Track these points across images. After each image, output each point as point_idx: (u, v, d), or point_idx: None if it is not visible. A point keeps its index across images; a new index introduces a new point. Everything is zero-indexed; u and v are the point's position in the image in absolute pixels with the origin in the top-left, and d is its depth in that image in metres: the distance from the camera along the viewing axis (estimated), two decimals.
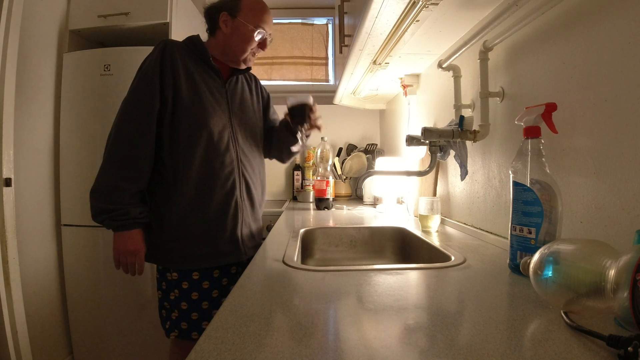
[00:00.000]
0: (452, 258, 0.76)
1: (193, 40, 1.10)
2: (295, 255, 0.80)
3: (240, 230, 1.09)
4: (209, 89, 1.07)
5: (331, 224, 1.29)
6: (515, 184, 0.63)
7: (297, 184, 2.34)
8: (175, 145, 1.02)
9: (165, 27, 1.73)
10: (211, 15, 1.11)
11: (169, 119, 1.02)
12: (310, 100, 1.15)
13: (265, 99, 1.31)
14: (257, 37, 1.09)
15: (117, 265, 1.03)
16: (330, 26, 2.55)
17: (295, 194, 2.32)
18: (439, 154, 1.11)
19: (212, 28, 1.12)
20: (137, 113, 0.99)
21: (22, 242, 1.52)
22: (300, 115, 1.14)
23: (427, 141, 1.08)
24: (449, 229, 1.12)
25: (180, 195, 1.03)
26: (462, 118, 0.98)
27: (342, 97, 2.02)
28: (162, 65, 1.01)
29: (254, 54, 1.12)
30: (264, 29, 1.09)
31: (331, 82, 2.55)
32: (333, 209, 1.72)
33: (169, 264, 1.05)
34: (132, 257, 1.01)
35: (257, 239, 1.18)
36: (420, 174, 1.17)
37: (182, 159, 1.02)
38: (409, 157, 1.62)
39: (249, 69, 1.18)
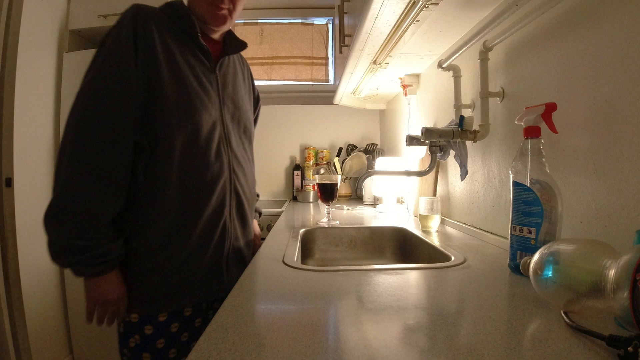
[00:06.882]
0: (452, 258, 0.76)
1: (174, 6, 0.84)
2: (295, 256, 0.80)
3: (227, 257, 0.87)
4: (194, 75, 0.82)
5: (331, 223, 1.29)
6: (515, 184, 0.63)
7: (297, 184, 2.34)
8: (150, 152, 0.77)
9: None
10: None
11: (141, 115, 0.76)
12: None
13: (256, 97, 1.10)
14: None
15: (91, 318, 0.77)
16: (330, 26, 2.55)
17: (295, 194, 2.32)
18: (439, 154, 1.11)
19: None
20: (107, 106, 0.72)
21: (22, 242, 1.52)
22: None
23: (427, 141, 1.08)
24: (449, 229, 1.12)
25: (157, 218, 0.77)
26: (462, 118, 0.98)
27: (342, 97, 2.02)
28: (136, 41, 0.74)
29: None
30: None
31: (331, 82, 2.55)
32: (333, 209, 1.72)
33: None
34: (114, 306, 0.76)
35: (248, 256, 0.95)
36: (420, 174, 1.17)
37: (160, 171, 0.77)
38: (409, 157, 1.62)
39: (239, 41, 0.94)
